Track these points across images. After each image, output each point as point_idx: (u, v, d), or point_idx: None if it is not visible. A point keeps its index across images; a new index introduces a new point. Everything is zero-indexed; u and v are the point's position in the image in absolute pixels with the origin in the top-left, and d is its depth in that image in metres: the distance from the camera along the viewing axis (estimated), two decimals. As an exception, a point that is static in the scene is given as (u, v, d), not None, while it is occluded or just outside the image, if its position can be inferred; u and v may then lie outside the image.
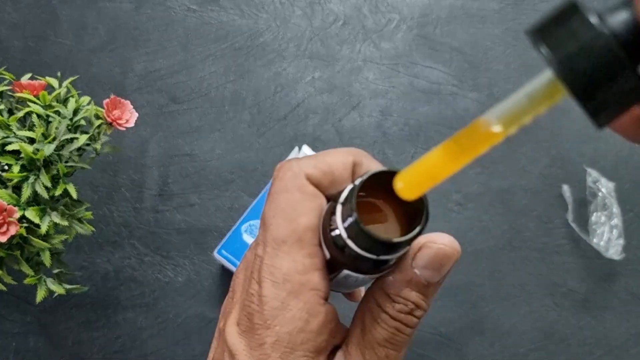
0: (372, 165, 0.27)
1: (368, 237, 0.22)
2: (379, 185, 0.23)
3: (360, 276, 0.25)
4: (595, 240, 0.63)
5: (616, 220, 0.64)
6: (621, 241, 0.63)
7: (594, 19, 0.16)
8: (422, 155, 0.21)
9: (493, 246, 0.64)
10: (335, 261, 0.25)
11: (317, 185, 0.26)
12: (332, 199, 0.25)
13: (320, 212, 0.25)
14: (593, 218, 0.64)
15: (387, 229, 0.25)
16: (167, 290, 0.62)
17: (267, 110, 0.69)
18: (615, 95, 0.17)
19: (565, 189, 0.65)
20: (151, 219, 0.64)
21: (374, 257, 0.23)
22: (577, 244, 0.64)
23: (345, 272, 0.25)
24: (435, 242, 0.25)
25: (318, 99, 0.70)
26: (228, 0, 0.74)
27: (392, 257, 0.24)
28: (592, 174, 0.66)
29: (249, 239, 0.59)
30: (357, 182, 0.23)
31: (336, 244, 0.24)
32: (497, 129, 0.20)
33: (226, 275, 0.62)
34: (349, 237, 0.23)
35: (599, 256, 0.63)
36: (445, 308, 0.62)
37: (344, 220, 0.23)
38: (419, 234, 0.23)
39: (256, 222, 0.60)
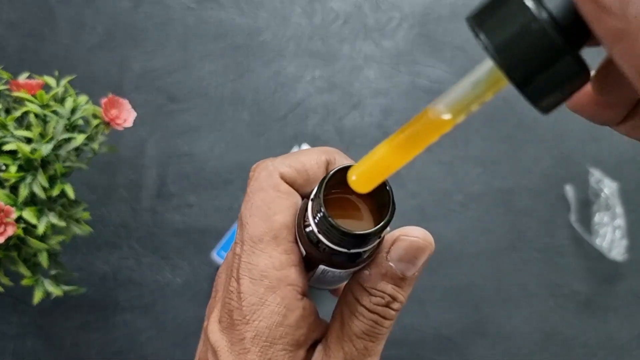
0: (345, 163, 0.28)
1: (337, 230, 0.23)
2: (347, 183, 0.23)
3: (337, 271, 0.26)
4: (598, 241, 0.62)
5: (619, 221, 0.63)
6: (624, 242, 0.63)
7: (529, 3, 0.15)
8: (377, 148, 0.21)
9: (495, 247, 0.63)
10: (312, 257, 0.25)
11: (291, 183, 0.26)
12: (306, 197, 0.26)
13: (295, 210, 0.26)
14: (596, 218, 0.63)
15: (359, 224, 0.26)
16: (165, 292, 0.61)
17: (267, 109, 0.69)
18: (555, 81, 0.16)
19: (568, 189, 0.65)
20: (149, 220, 0.64)
21: (345, 250, 0.24)
22: (579, 245, 0.64)
23: (322, 267, 0.26)
24: (408, 235, 0.25)
25: (318, 98, 0.70)
26: (227, -1, 0.74)
27: (364, 249, 0.24)
28: (595, 174, 0.65)
29: None
30: (325, 177, 0.24)
31: (310, 240, 0.24)
32: (446, 117, 0.20)
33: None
34: (320, 231, 0.24)
35: (601, 257, 0.63)
36: (447, 309, 0.61)
37: (314, 217, 0.24)
38: (386, 225, 0.23)
39: None
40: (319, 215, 0.23)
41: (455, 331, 0.60)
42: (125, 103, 0.52)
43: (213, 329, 0.26)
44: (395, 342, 0.60)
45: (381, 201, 0.24)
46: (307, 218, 0.24)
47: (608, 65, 0.19)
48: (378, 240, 0.25)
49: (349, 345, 0.25)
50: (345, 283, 0.27)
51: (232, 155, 0.67)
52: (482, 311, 0.61)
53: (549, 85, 0.16)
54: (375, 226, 0.23)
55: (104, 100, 0.50)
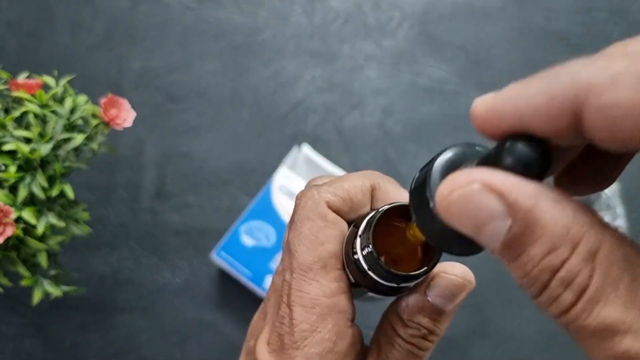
0: (389, 188, 0.28)
1: (384, 270, 0.24)
2: (399, 213, 0.25)
3: (383, 296, 0.27)
4: (599, 241, 0.62)
5: (620, 221, 0.63)
6: (626, 242, 0.63)
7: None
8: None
9: (496, 247, 0.63)
10: (358, 282, 0.26)
11: (337, 211, 0.27)
12: (353, 223, 0.27)
13: (342, 238, 0.27)
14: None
15: (405, 255, 0.26)
16: (164, 293, 0.61)
17: (267, 109, 0.69)
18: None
19: (569, 189, 0.65)
20: (149, 220, 0.64)
21: (394, 285, 0.25)
22: (580, 245, 0.64)
23: (369, 293, 0.27)
24: (447, 272, 0.26)
25: (318, 97, 0.70)
26: (227, -2, 0.74)
27: (411, 284, 0.25)
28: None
29: (247, 240, 0.58)
30: (374, 215, 0.25)
31: (358, 268, 0.25)
32: None
33: (224, 277, 0.62)
34: (367, 265, 0.24)
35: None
36: (448, 310, 0.61)
37: (362, 249, 0.24)
38: (434, 266, 0.24)
39: (255, 223, 0.59)
40: (367, 249, 0.24)
41: (458, 332, 0.60)
42: (125, 103, 0.52)
43: (262, 349, 0.27)
44: (396, 342, 0.60)
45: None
46: (355, 248, 0.25)
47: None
48: (424, 276, 0.25)
49: None
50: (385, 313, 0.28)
51: (231, 155, 0.67)
52: (484, 312, 0.61)
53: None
54: (423, 259, 0.25)
55: (103, 100, 0.50)
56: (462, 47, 0.72)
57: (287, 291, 0.26)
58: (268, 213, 0.59)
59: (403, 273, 0.24)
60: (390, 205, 0.24)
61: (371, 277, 0.25)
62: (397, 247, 0.26)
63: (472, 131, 0.65)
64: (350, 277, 0.26)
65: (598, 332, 0.16)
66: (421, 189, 0.19)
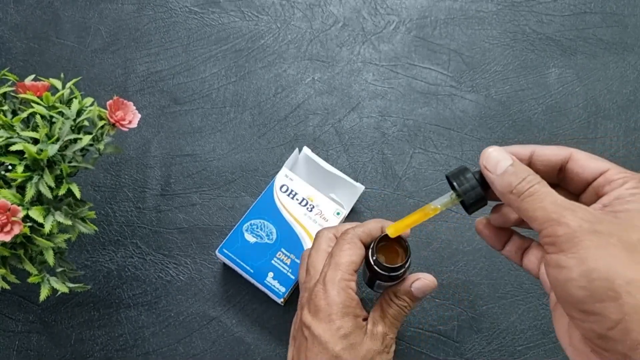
0: (388, 223, 0.49)
1: (383, 266, 0.46)
2: (386, 239, 0.46)
3: (384, 283, 0.49)
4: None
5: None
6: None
7: (472, 175, 0.40)
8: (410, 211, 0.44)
9: (491, 245, 0.64)
10: (372, 276, 0.49)
11: (362, 241, 0.48)
12: (370, 245, 0.48)
13: (363, 254, 0.48)
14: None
15: (394, 259, 0.49)
16: (169, 289, 0.62)
17: (268, 111, 0.70)
18: (477, 201, 0.40)
19: (562, 189, 0.66)
20: (153, 219, 0.65)
21: (386, 274, 0.47)
22: (574, 244, 0.65)
23: (378, 281, 0.49)
24: (424, 278, 0.49)
25: (318, 100, 0.71)
26: (229, 3, 0.75)
27: (398, 274, 0.47)
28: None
29: (250, 238, 0.60)
30: (375, 241, 0.47)
31: (371, 266, 0.47)
32: (437, 207, 0.43)
33: (227, 274, 0.63)
34: (375, 264, 0.47)
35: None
36: (444, 306, 0.62)
37: (372, 256, 0.47)
38: (406, 263, 0.47)
39: (257, 222, 0.60)
40: (374, 256, 0.47)
41: (452, 327, 0.61)
42: (130, 105, 0.53)
43: (305, 313, 0.47)
44: (393, 338, 0.61)
45: (403, 248, 0.48)
46: (369, 257, 0.47)
47: (497, 205, 0.44)
48: (404, 269, 0.47)
49: (386, 320, 0.48)
50: (386, 290, 0.50)
51: (234, 156, 0.68)
52: (478, 308, 0.62)
53: (476, 204, 0.40)
54: (402, 262, 0.46)
55: (109, 102, 0.51)
56: (457, 51, 0.73)
57: (324, 274, 0.47)
58: (269, 212, 0.61)
59: (392, 266, 0.46)
60: (381, 235, 0.47)
61: (377, 270, 0.47)
62: (388, 253, 0.49)
63: (465, 132, 0.68)
64: (368, 272, 0.49)
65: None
66: (462, 174, 0.40)
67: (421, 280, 0.48)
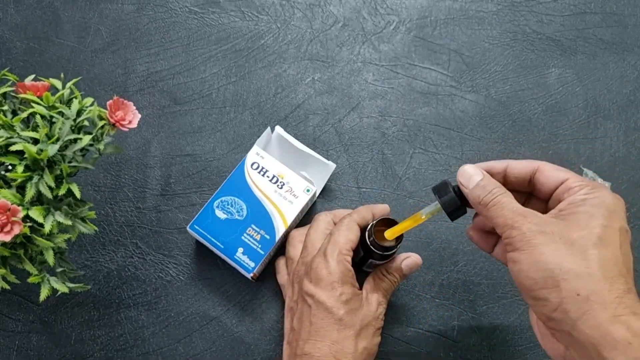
0: (380, 207, 0.59)
1: (377, 245, 0.53)
2: (382, 221, 0.54)
3: (376, 262, 0.55)
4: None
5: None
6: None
7: (451, 189, 0.47)
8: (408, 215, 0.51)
9: (491, 245, 0.64)
10: (366, 255, 0.55)
11: (359, 224, 0.54)
12: (366, 227, 0.55)
13: (358, 236, 0.54)
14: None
15: (386, 239, 0.54)
16: (169, 289, 0.63)
17: (268, 111, 0.70)
18: (457, 211, 0.47)
19: (562, 189, 0.66)
20: (153, 219, 0.65)
21: (380, 253, 0.53)
22: (574, 244, 0.65)
23: (370, 260, 0.55)
24: (413, 256, 0.56)
25: (318, 100, 0.71)
26: (229, 3, 0.75)
27: (390, 253, 0.54)
28: (589, 173, 0.67)
29: (220, 214, 0.61)
30: (372, 224, 0.54)
31: (366, 247, 0.54)
32: (424, 217, 0.50)
33: (228, 274, 0.63)
34: (371, 244, 0.53)
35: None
36: (444, 306, 0.62)
37: (368, 238, 0.53)
38: (398, 244, 0.54)
39: (227, 199, 0.62)
40: (370, 238, 0.53)
41: (451, 327, 0.61)
42: (130, 105, 0.53)
43: (306, 282, 0.52)
44: (392, 338, 0.61)
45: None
46: (365, 238, 0.54)
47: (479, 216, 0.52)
48: (394, 250, 0.54)
49: (379, 291, 0.54)
50: (377, 268, 0.57)
51: (234, 156, 0.68)
52: (478, 308, 0.62)
53: (455, 212, 0.47)
54: (395, 243, 0.54)
55: (109, 102, 0.51)
56: (457, 51, 0.73)
57: (324, 248, 0.52)
58: (240, 188, 0.62)
59: (386, 245, 0.54)
60: (377, 220, 0.54)
61: (372, 249, 0.53)
62: (382, 236, 0.54)
63: (465, 132, 0.68)
64: (362, 252, 0.55)
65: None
66: (444, 187, 0.48)
67: (410, 259, 0.55)
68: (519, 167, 0.47)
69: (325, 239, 0.54)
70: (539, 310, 0.40)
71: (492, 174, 0.47)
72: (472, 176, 0.45)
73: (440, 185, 0.48)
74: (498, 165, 0.47)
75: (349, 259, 0.52)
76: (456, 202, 0.47)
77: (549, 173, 0.45)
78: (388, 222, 0.54)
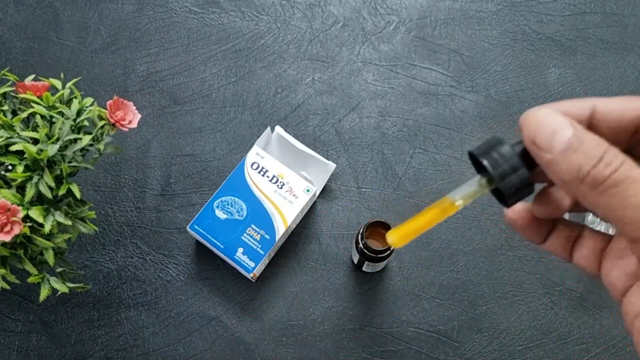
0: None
1: (370, 248, 0.55)
2: (373, 225, 0.56)
3: (372, 264, 0.57)
4: (591, 239, 0.63)
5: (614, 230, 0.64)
6: (617, 240, 0.63)
7: (511, 149, 0.26)
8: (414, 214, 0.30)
9: (491, 245, 0.64)
10: (361, 258, 0.57)
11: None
12: (359, 230, 0.56)
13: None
14: (590, 217, 0.64)
15: (381, 244, 0.57)
16: (168, 289, 0.63)
17: (268, 111, 0.70)
18: (522, 188, 0.26)
19: (563, 189, 0.66)
20: (153, 219, 0.65)
21: (374, 255, 0.55)
22: (574, 244, 0.65)
23: (367, 262, 0.56)
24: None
25: (318, 100, 0.71)
26: (229, 3, 0.75)
27: (383, 255, 0.56)
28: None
29: (220, 214, 0.61)
30: (363, 228, 0.56)
31: (359, 250, 0.56)
32: (459, 203, 0.29)
33: (228, 274, 0.63)
34: (364, 247, 0.55)
35: (595, 255, 0.63)
36: (444, 306, 0.62)
37: (362, 240, 0.55)
38: (390, 248, 0.55)
39: (227, 199, 0.62)
40: (362, 241, 0.55)
41: (452, 327, 0.61)
42: (130, 105, 0.53)
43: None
44: (392, 338, 0.61)
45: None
46: (359, 241, 0.55)
47: (544, 190, 0.30)
48: (390, 252, 0.56)
49: None
50: (380, 269, 0.60)
51: (234, 155, 0.68)
52: (478, 308, 0.62)
53: (518, 193, 0.27)
54: (386, 247, 0.55)
55: (109, 102, 0.51)
56: (457, 51, 0.73)
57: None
58: (240, 188, 0.62)
59: (378, 249, 0.55)
60: (369, 223, 0.56)
61: (366, 252, 0.55)
62: (377, 236, 0.57)
63: (465, 132, 0.68)
64: (356, 257, 0.57)
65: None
66: (497, 151, 0.27)
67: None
68: (617, 108, 0.27)
69: None
70: None
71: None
72: (556, 131, 0.25)
73: (490, 145, 0.27)
74: (579, 106, 0.27)
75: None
76: (524, 175, 0.26)
77: None
78: (381, 225, 0.55)
